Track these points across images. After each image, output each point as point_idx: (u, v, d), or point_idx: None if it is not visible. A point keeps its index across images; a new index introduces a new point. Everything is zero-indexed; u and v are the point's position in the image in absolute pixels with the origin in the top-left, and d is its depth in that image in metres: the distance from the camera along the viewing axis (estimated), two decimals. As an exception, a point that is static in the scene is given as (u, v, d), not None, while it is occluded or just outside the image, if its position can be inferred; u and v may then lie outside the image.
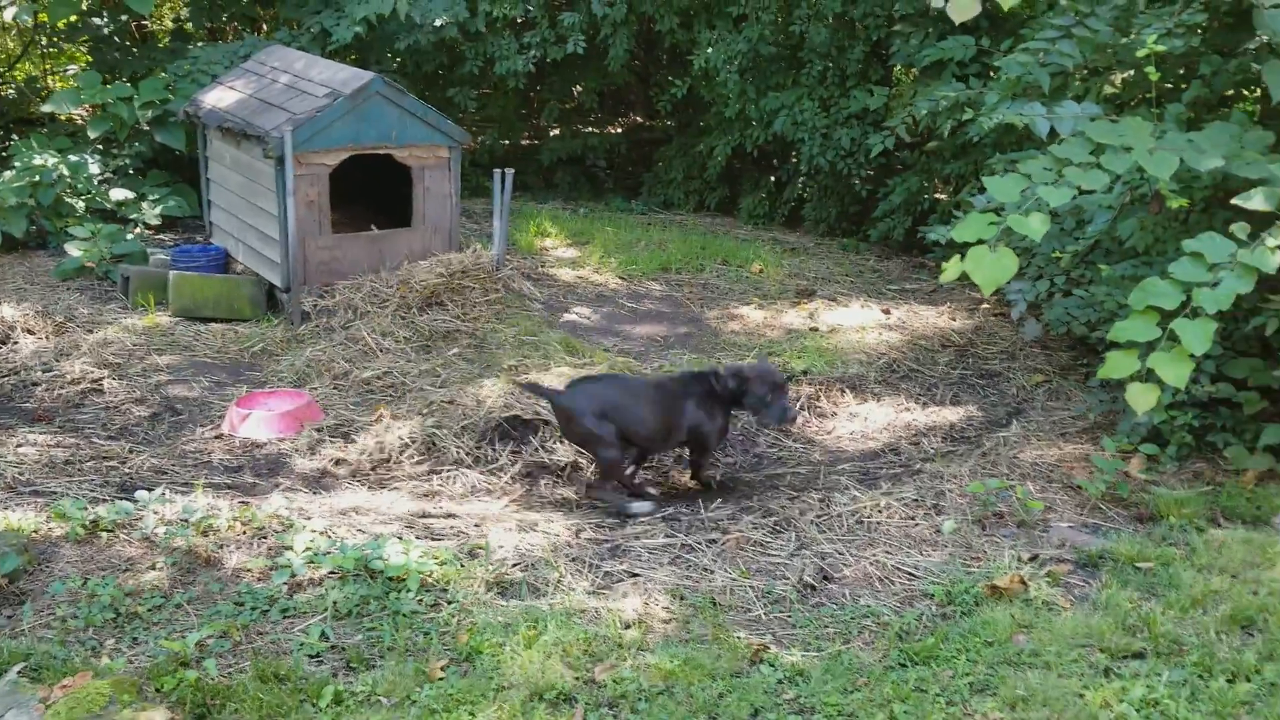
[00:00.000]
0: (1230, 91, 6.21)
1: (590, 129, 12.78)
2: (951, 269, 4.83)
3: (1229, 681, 3.59)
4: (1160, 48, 5.09)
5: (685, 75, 10.57)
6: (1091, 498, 4.97)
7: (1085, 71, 6.87)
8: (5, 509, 4.58)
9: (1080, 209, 6.31)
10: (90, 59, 10.83)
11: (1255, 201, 4.53)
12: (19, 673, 3.43)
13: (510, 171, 7.80)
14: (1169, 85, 6.24)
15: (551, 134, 12.45)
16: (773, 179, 11.03)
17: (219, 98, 7.90)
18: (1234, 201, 4.63)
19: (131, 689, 3.18)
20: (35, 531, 4.36)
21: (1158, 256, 5.60)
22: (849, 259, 9.56)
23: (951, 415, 6.17)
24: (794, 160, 10.23)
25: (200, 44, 10.86)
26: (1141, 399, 4.53)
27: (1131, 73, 7.02)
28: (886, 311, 7.94)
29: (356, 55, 10.43)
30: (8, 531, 4.23)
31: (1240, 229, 4.53)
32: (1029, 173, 4.73)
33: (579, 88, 12.13)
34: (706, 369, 5.49)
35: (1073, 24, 5.70)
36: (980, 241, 4.67)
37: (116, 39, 10.98)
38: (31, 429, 5.55)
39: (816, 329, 7.60)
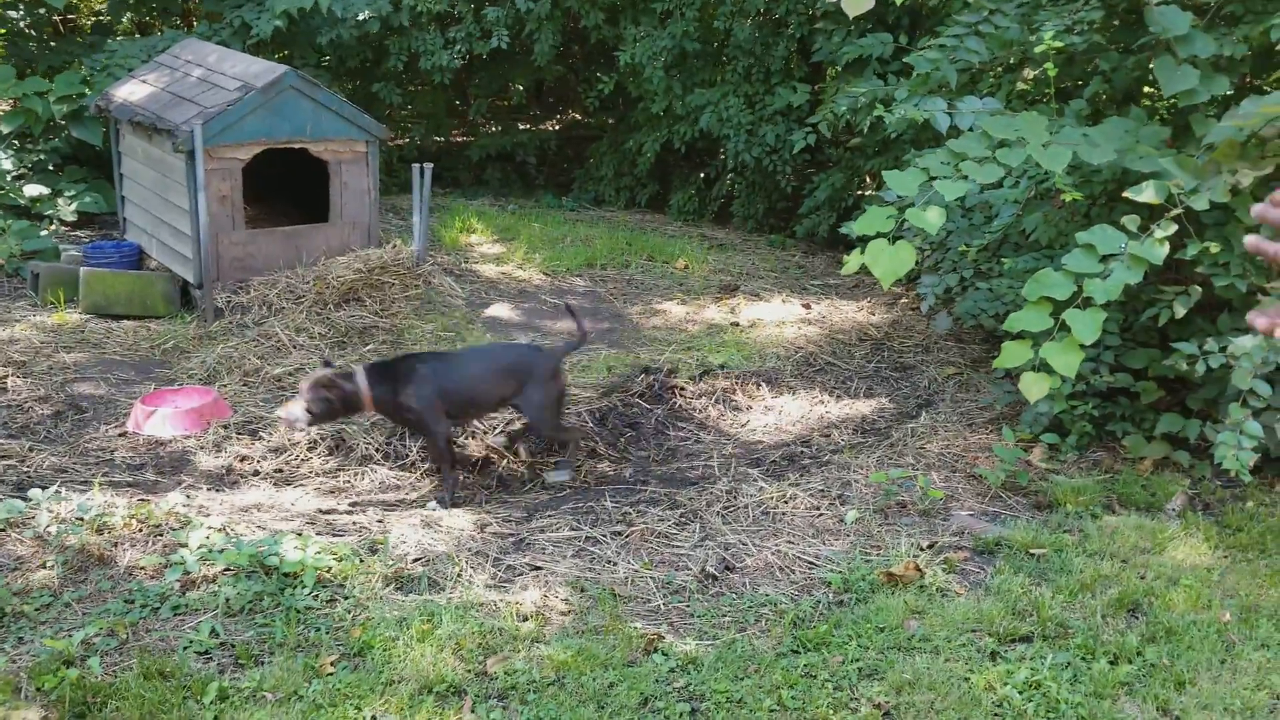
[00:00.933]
0: (1141, 88, 6.35)
1: (523, 125, 12.75)
2: (852, 261, 4.90)
3: (1111, 663, 3.68)
4: (1058, 44, 5.19)
5: (612, 71, 10.57)
6: (992, 486, 5.05)
7: (1000, 69, 6.99)
8: (-109, 509, 4.47)
9: (990, 204, 6.42)
10: (3, 52, 10.58)
11: (1146, 194, 4.64)
12: (-108, 673, 3.35)
13: (430, 166, 7.75)
14: (1078, 82, 6.37)
15: (481, 130, 12.39)
16: (702, 175, 11.09)
17: (131, 91, 7.76)
18: (1125, 194, 4.74)
19: (7, 688, 3.12)
20: (-79, 531, 4.26)
21: (1060, 250, 5.71)
22: (775, 255, 9.64)
23: (864, 408, 6.24)
24: (721, 156, 10.29)
25: (119, 38, 10.68)
26: (1034, 388, 4.62)
27: (1040, 70, 7.16)
28: (807, 306, 8.01)
29: (281, 51, 10.31)
30: (-110, 532, 4.13)
31: (1131, 221, 4.64)
32: (928, 167, 4.82)
33: (511, 85, 12.10)
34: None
35: (980, 20, 5.79)
36: (879, 235, 4.76)
37: (33, 32, 10.75)
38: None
39: (737, 324, 7.64)
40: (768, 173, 9.96)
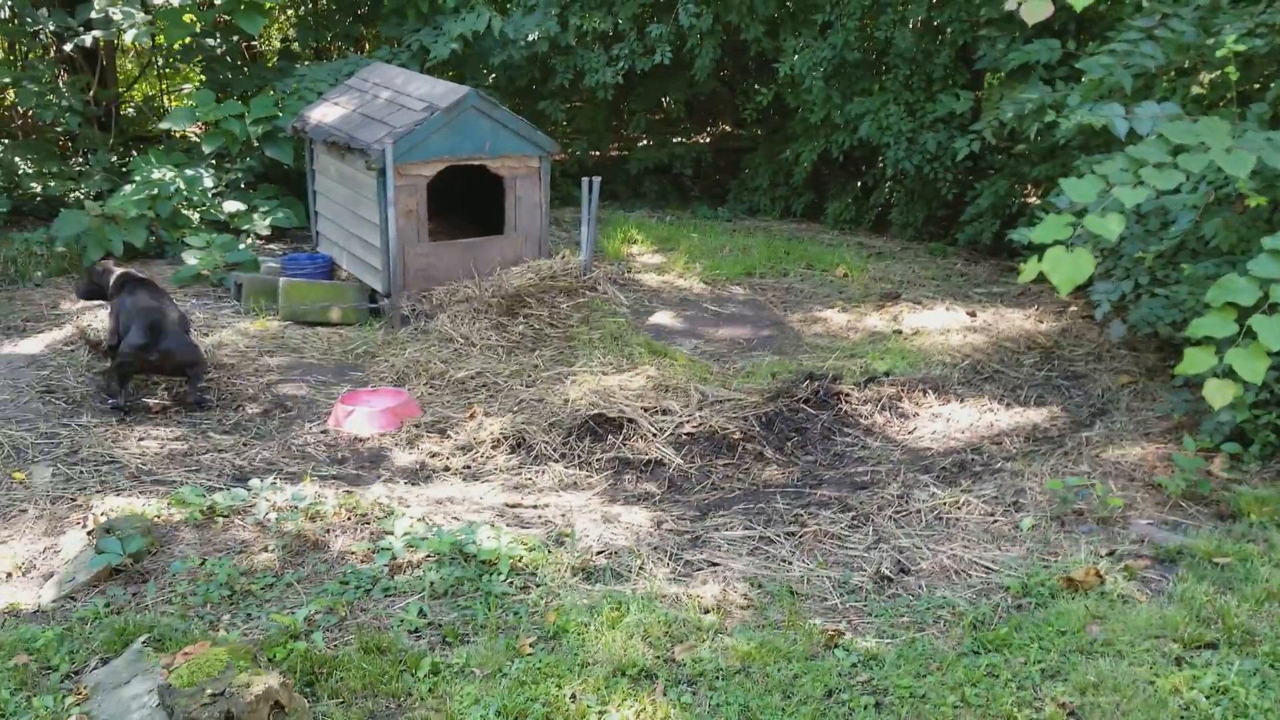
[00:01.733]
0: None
1: (678, 139, 13.00)
2: (1029, 269, 4.90)
3: (1302, 672, 3.62)
4: (1240, 47, 5.10)
5: (771, 83, 10.71)
6: (1172, 496, 4.99)
7: (1173, 73, 6.86)
8: (130, 496, 4.96)
9: (1165, 209, 6.30)
10: (204, 78, 11.41)
11: (1335, 198, 4.52)
12: (143, 643, 3.75)
13: (597, 179, 8.05)
14: (1257, 86, 6.21)
15: (639, 144, 12.70)
16: (859, 184, 11.11)
17: (324, 113, 8.31)
18: (1315, 198, 4.62)
19: (247, 656, 3.45)
20: (158, 516, 4.71)
21: (1241, 255, 5.58)
22: (936, 263, 9.60)
23: (1035, 416, 6.21)
24: (880, 165, 10.29)
25: (306, 63, 11.39)
26: (1219, 395, 4.55)
27: (1218, 74, 6.98)
28: (972, 314, 7.97)
29: (453, 71, 10.82)
30: (132, 516, 4.59)
31: (1321, 226, 4.53)
32: (1106, 174, 4.80)
33: (666, 98, 12.36)
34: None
35: (1155, 25, 5.72)
36: (1058, 242, 4.77)
37: (228, 59, 11.56)
38: (154, 424, 5.95)
39: (900, 331, 7.68)
40: (928, 180, 9.93)
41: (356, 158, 7.49)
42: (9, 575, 4.37)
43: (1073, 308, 7.87)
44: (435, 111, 7.30)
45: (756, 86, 11.13)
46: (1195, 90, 6.80)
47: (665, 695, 3.55)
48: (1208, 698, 3.50)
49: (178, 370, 6.14)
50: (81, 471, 5.28)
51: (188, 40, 11.52)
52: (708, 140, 13.71)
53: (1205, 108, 6.38)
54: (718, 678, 3.64)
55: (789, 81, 10.36)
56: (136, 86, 13.18)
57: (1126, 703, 3.47)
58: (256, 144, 9.85)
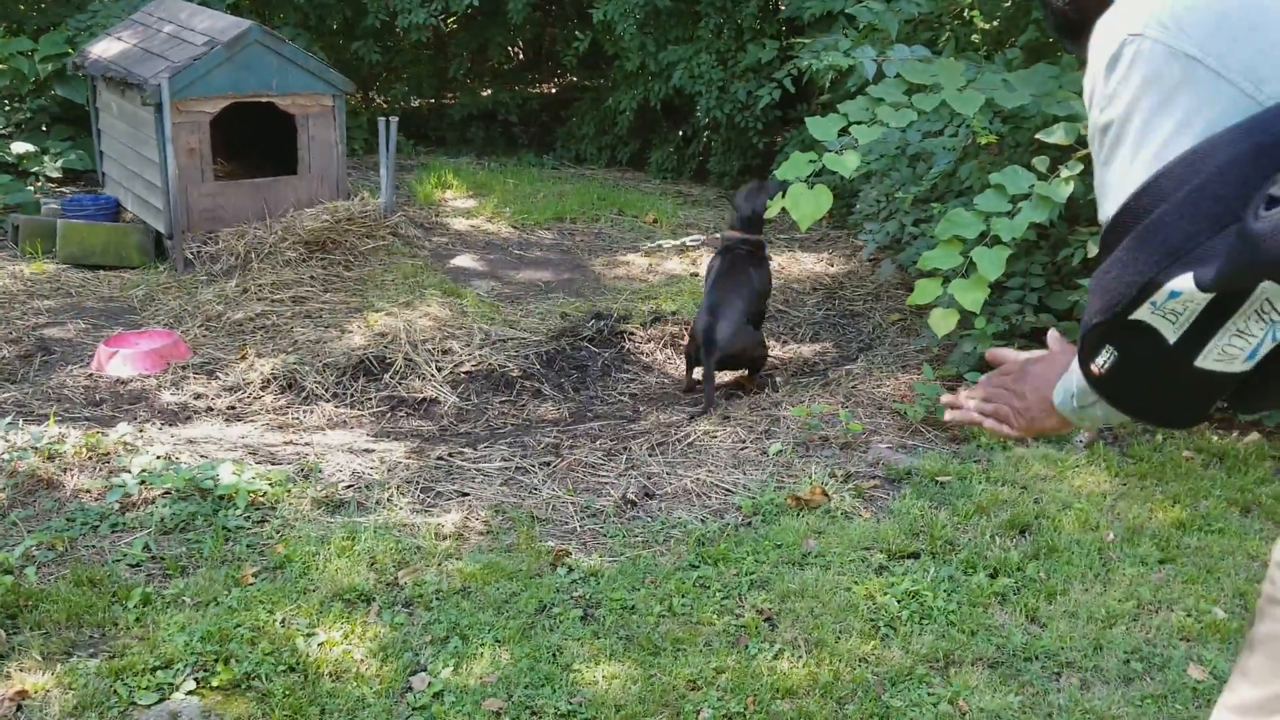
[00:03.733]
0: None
1: (506, 85, 12.89)
2: (774, 205, 5.09)
3: (990, 577, 3.88)
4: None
5: (587, 29, 10.69)
6: (912, 422, 5.24)
7: (952, 20, 7.12)
8: None
9: (932, 153, 6.56)
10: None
11: (1056, 136, 4.79)
12: None
13: (395, 119, 7.94)
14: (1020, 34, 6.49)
15: (463, 90, 12.54)
16: (680, 133, 11.22)
17: (106, 48, 7.96)
18: (1037, 136, 4.89)
19: (-62, 590, 3.36)
20: (-118, 458, 4.50)
21: (991, 195, 5.86)
22: (747, 210, 9.76)
23: (806, 351, 6.43)
24: (696, 114, 10.41)
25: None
26: (941, 323, 4.81)
27: (995, 21, 7.28)
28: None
29: (260, 10, 10.48)
30: None
31: (1041, 162, 4.80)
32: (847, 112, 4.97)
33: (491, 45, 12.23)
34: None
35: (924, -28, 5.92)
36: (800, 180, 4.93)
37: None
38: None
39: (697, 274, 7.81)
40: (740, 130, 10.09)
41: (135, 94, 7.21)
42: None
43: (861, 251, 8.13)
44: (216, 45, 7.08)
45: (576, 33, 11.09)
46: (974, 39, 7.10)
47: (378, 616, 3.59)
48: (898, 601, 3.72)
49: None
50: None
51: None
52: (553, 90, 13.64)
53: (985, 56, 6.64)
54: (435, 598, 3.69)
55: (604, 28, 10.36)
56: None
57: (821, 607, 3.66)
58: (48, 83, 9.38)
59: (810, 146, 9.66)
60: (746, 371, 5.93)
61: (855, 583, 3.81)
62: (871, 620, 3.61)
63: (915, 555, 4.04)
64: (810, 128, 4.96)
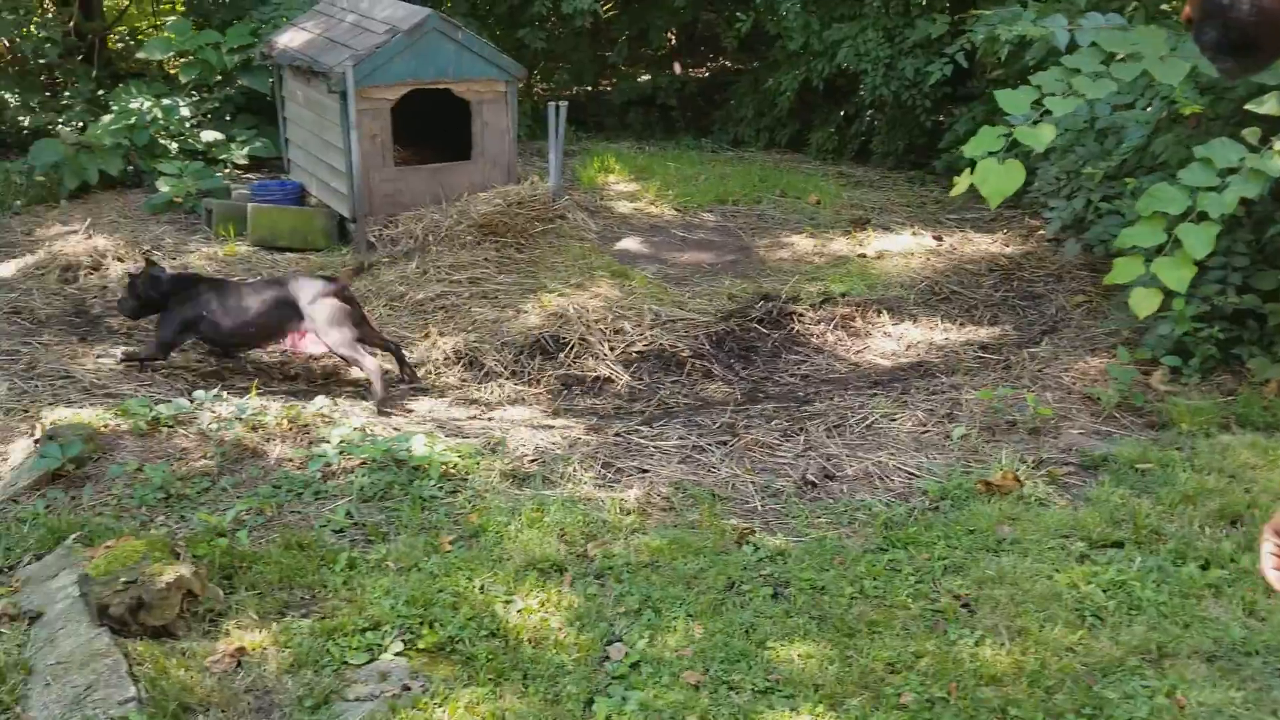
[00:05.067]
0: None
1: (665, 69, 12.91)
2: (961, 182, 4.92)
3: (1201, 568, 3.70)
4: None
5: (750, 10, 10.60)
6: (1106, 407, 5.03)
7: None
8: (79, 408, 5.06)
9: (1122, 127, 6.27)
10: (183, 8, 11.38)
11: (1268, 106, 4.51)
12: (74, 540, 3.86)
13: (564, 104, 8.03)
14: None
15: (621, 76, 12.62)
16: (842, 113, 11.02)
17: (291, 38, 8.30)
18: (1247, 107, 4.61)
19: (164, 548, 3.56)
20: (104, 426, 4.81)
21: (1189, 170, 5.56)
22: (913, 190, 9.56)
23: (985, 334, 6.24)
24: (860, 93, 10.21)
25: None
26: (1144, 304, 4.58)
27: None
28: (939, 238, 7.97)
29: (430, -1, 10.75)
30: (76, 424, 4.69)
31: (1251, 134, 4.52)
32: (1040, 84, 4.78)
33: (652, 29, 12.25)
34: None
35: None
36: (990, 154, 4.76)
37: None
38: (112, 343, 6.05)
39: (864, 255, 7.68)
40: (907, 108, 9.85)
41: (320, 82, 7.49)
42: (-44, 481, 4.49)
43: (1040, 231, 7.85)
44: (397, 34, 7.29)
45: (737, 14, 11.01)
46: (1161, 7, 6.74)
47: (572, 586, 3.65)
48: (1104, 591, 3.58)
49: None
50: (36, 385, 5.38)
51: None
52: (706, 74, 13.62)
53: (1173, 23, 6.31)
54: (625, 571, 3.73)
55: (767, 8, 10.26)
56: (125, 19, 13.15)
57: (1022, 595, 3.55)
58: (235, 73, 9.85)
59: (985, 122, 9.39)
60: None
61: (1056, 571, 3.68)
62: (1077, 609, 3.48)
63: (1119, 544, 3.87)
64: (1000, 101, 4.78)
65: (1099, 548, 3.87)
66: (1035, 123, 4.77)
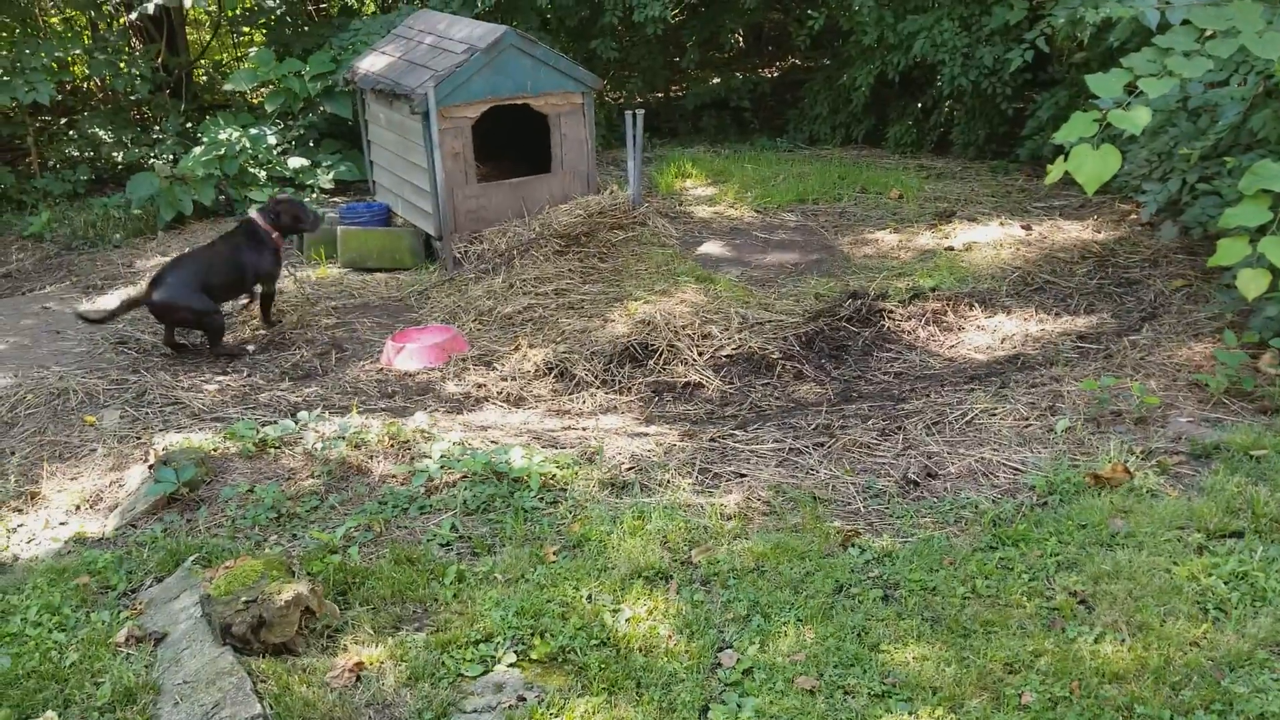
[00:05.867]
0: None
1: (734, 71, 12.89)
2: (1055, 170, 4.81)
3: (1329, 557, 3.56)
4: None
5: (822, 6, 10.53)
6: (1214, 393, 4.88)
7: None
8: (189, 433, 5.22)
9: (1216, 105, 6.08)
10: (264, 39, 11.69)
11: (1378, 75, 4.33)
12: (193, 562, 3.99)
13: (641, 112, 8.06)
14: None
15: (692, 81, 12.63)
16: (919, 105, 10.89)
17: (372, 63, 8.47)
18: (1355, 77, 4.44)
19: (281, 567, 3.66)
20: (214, 450, 4.96)
21: (1292, 145, 5.39)
22: (997, 180, 9.40)
23: (1082, 323, 6.10)
24: (938, 84, 10.07)
25: (365, 17, 11.58)
26: (1252, 285, 4.43)
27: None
28: (1027, 228, 7.82)
29: (504, 17, 10.87)
30: (188, 449, 4.85)
31: (1362, 105, 4.35)
32: (1132, 66, 4.66)
33: (721, 31, 12.25)
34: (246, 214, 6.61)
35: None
36: (1083, 140, 4.66)
37: (290, 19, 11.82)
38: (215, 369, 6.23)
39: (951, 248, 7.57)
40: (987, 96, 9.69)
41: (402, 104, 7.64)
42: (78, 508, 4.67)
43: (1132, 215, 7.66)
44: (475, 53, 7.40)
45: (809, 11, 10.94)
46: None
47: (678, 594, 3.66)
48: (1226, 583, 3.47)
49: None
50: (147, 413, 5.57)
51: (249, 3, 11.81)
52: (764, 70, 13.56)
53: None
54: (731, 577, 3.73)
55: (840, 4, 10.17)
56: (208, 53, 13.55)
57: (1140, 589, 3.47)
58: (317, 100, 10.09)
59: (1069, 108, 9.20)
60: None
61: (1174, 564, 3.58)
62: (1198, 603, 3.38)
63: (1238, 534, 3.76)
64: (1091, 85, 4.67)
65: (1217, 538, 3.75)
66: (1128, 106, 4.66)
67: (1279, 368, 5.09)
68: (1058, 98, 9.18)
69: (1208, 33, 4.66)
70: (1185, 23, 4.72)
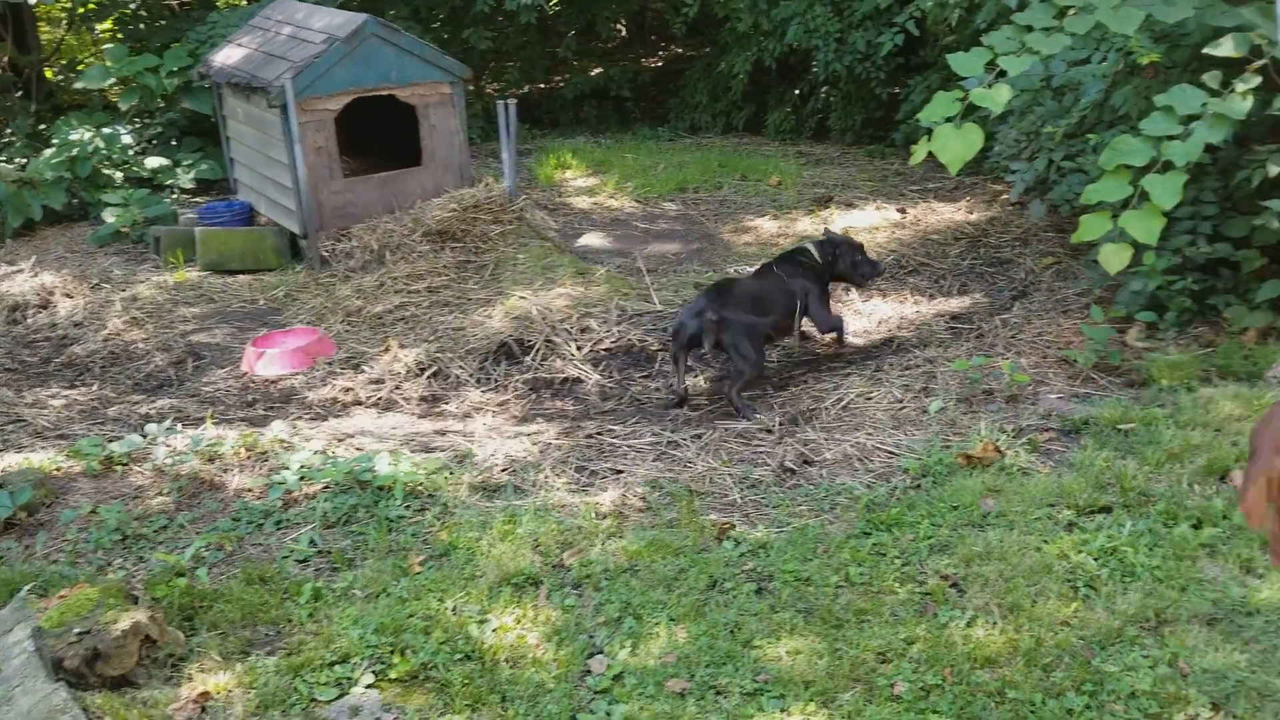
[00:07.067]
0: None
1: (617, 60, 12.76)
2: (919, 150, 4.79)
3: (1194, 527, 3.59)
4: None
5: (695, -5, 10.46)
6: (1083, 368, 4.93)
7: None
8: (30, 452, 4.88)
9: (1080, 83, 6.16)
10: (118, 34, 11.15)
11: (1225, 48, 4.41)
12: (29, 590, 3.69)
13: (513, 102, 7.87)
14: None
15: (572, 71, 12.46)
16: (796, 92, 10.90)
17: (227, 55, 8.10)
18: (1204, 50, 4.51)
19: (120, 594, 3.39)
20: (57, 469, 4.63)
21: (1150, 121, 5.46)
22: (873, 165, 9.45)
23: (955, 304, 6.13)
24: (813, 70, 10.09)
25: (224, 9, 11.12)
26: (1114, 259, 4.47)
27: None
28: (902, 211, 7.86)
29: (371, 5, 10.54)
30: (26, 469, 4.51)
31: (1212, 78, 4.41)
32: (993, 44, 4.65)
33: (596, 20, 12.10)
34: (798, 247, 5.87)
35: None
36: (948, 120, 4.64)
37: (145, 13, 11.28)
38: (62, 382, 5.86)
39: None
40: (861, 81, 9.74)
41: (260, 97, 7.31)
42: (-97, 539, 4.30)
43: (1003, 196, 7.75)
44: (335, 42, 7.11)
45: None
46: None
47: (548, 599, 3.51)
48: (1096, 559, 3.47)
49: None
50: (-16, 432, 5.20)
51: (99, -2, 11.25)
52: (643, 59, 13.46)
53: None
54: (603, 578, 3.59)
55: (714, -11, 10.12)
56: (63, 50, 12.86)
57: (1011, 569, 3.44)
58: (177, 96, 9.63)
59: (941, 90, 9.28)
60: None
61: (1045, 542, 3.57)
62: (1069, 581, 3.37)
63: (1107, 509, 3.76)
64: (953, 64, 4.66)
65: (1087, 514, 3.75)
66: (990, 84, 4.66)
67: (1145, 341, 5.17)
68: (930, 81, 9.26)
69: (1070, 11, 4.69)
70: (1044, 0, 4.72)
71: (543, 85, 12.54)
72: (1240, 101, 4.25)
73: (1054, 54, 4.57)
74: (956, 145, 4.53)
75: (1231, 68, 4.53)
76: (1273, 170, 4.66)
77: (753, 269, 6.11)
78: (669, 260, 7.39)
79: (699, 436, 4.76)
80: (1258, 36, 4.37)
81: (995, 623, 3.19)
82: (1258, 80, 4.29)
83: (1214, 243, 5.12)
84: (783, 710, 2.91)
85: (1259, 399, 4.38)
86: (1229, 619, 3.14)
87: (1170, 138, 4.35)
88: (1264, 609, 3.16)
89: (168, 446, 4.72)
